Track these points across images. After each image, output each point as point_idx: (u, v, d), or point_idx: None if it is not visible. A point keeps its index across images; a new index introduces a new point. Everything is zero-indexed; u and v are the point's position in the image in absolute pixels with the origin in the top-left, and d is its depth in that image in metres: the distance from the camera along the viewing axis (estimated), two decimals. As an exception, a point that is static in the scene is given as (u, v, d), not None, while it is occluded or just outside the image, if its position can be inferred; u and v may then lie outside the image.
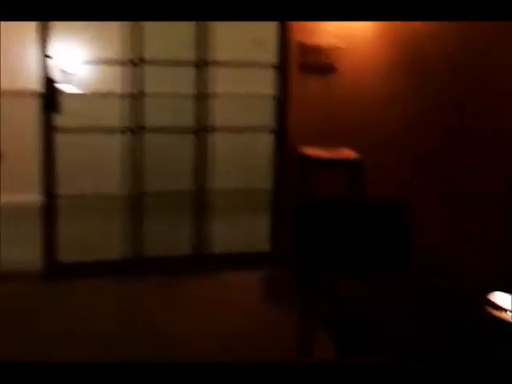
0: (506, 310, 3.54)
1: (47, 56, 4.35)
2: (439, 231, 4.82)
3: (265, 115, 4.84)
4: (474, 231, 4.84)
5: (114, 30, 4.71)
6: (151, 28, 4.56)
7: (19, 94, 5.22)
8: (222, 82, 4.74)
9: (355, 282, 4.20)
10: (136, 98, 4.60)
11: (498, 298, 3.60)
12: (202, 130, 4.74)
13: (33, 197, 4.60)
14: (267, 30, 4.77)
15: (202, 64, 4.67)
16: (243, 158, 4.87)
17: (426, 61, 4.87)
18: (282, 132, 4.80)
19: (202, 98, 4.70)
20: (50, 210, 4.45)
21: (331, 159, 4.62)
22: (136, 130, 4.62)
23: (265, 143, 4.86)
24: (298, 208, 4.52)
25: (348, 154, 4.67)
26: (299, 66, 4.73)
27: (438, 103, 4.92)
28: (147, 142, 4.65)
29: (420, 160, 4.92)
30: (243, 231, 4.84)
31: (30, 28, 4.45)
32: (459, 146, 4.94)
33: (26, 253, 4.46)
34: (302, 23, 4.62)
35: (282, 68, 4.75)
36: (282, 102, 4.78)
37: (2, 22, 5.42)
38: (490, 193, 4.84)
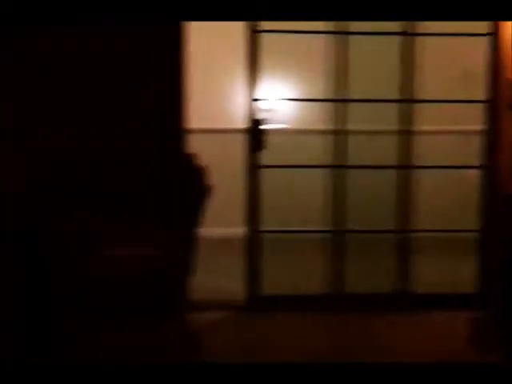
0: None
1: (255, 98, 4.48)
2: None
3: (472, 152, 4.66)
4: None
5: (317, 68, 4.81)
6: (354, 65, 4.58)
7: (227, 132, 5.48)
8: (427, 118, 4.63)
9: None
10: (339, 134, 4.63)
11: None
12: (405, 168, 4.65)
13: (237, 230, 4.75)
14: (476, 65, 4.64)
15: (406, 101, 4.60)
16: (448, 196, 4.73)
17: None
18: (491, 170, 4.60)
19: (406, 135, 4.62)
20: (253, 244, 4.55)
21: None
22: (339, 166, 4.63)
23: (472, 181, 4.68)
24: (499, 249, 4.32)
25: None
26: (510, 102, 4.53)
27: None
28: (350, 179, 4.64)
29: None
30: (447, 271, 4.69)
31: (238, 69, 4.64)
32: None
33: (229, 284, 4.62)
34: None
35: (493, 104, 4.57)
36: (492, 139, 4.58)
37: (212, 64, 5.75)
38: None
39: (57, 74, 4.02)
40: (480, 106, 4.60)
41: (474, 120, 4.64)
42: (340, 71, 4.58)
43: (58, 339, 3.46)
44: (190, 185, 4.05)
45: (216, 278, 4.65)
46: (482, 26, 4.47)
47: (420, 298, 4.61)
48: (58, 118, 4.06)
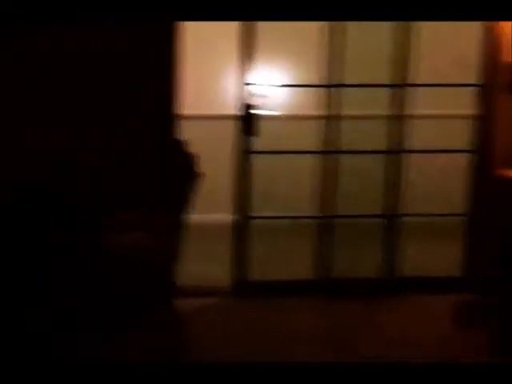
0: None
1: (247, 83, 4.49)
2: None
3: (463, 137, 4.66)
4: None
5: (311, 53, 4.81)
6: (349, 51, 4.58)
7: (219, 118, 5.48)
8: (419, 103, 4.63)
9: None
10: (330, 120, 4.64)
11: None
12: (396, 153, 4.66)
13: (224, 216, 4.78)
14: (469, 48, 4.62)
15: (399, 85, 4.60)
16: (438, 181, 4.73)
17: None
18: (483, 154, 4.59)
19: (397, 119, 4.63)
20: (243, 230, 4.59)
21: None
22: (329, 152, 4.65)
23: (462, 165, 4.68)
24: (492, 234, 4.35)
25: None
26: (506, 86, 4.51)
27: None
28: (342, 165, 4.66)
29: None
30: (434, 255, 4.71)
31: (232, 55, 4.65)
32: None
33: (215, 270, 4.65)
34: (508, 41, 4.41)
35: (486, 88, 4.55)
36: (484, 123, 4.58)
37: (204, 49, 5.74)
38: None
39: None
40: (474, 90, 4.60)
41: (467, 104, 4.64)
42: (335, 57, 4.58)
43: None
44: (178, 171, 4.09)
45: (204, 264, 4.68)
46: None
47: (407, 281, 4.64)
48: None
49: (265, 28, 4.43)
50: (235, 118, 4.54)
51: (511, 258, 4.35)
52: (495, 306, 4.22)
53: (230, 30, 4.59)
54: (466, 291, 4.47)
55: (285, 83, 5.48)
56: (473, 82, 4.60)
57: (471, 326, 4.11)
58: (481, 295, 4.36)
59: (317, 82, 4.74)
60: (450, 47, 4.99)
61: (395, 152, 4.65)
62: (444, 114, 4.99)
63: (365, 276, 4.68)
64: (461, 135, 4.67)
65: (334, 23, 4.51)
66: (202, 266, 4.61)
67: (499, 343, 3.84)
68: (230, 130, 4.64)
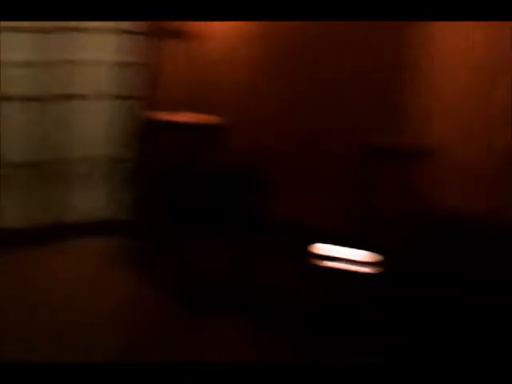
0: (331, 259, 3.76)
1: None
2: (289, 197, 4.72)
3: (113, 82, 4.74)
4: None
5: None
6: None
7: None
8: (72, 48, 4.62)
9: (204, 245, 4.30)
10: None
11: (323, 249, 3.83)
12: (50, 99, 4.61)
13: None
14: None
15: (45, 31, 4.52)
16: (92, 126, 4.77)
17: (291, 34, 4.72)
18: (136, 98, 4.75)
19: (47, 65, 4.56)
20: None
21: (188, 124, 4.60)
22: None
23: (116, 110, 4.78)
24: (150, 176, 4.56)
25: (206, 119, 4.65)
26: (153, 30, 4.67)
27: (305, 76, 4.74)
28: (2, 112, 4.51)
29: (282, 129, 4.82)
30: (92, 200, 4.77)
31: None
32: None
33: None
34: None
35: (134, 33, 4.68)
36: (135, 68, 4.72)
37: None
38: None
39: None
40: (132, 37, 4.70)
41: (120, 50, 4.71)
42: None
43: None
44: None
45: None
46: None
47: (68, 228, 4.66)
48: None
49: None
50: None
51: (170, 202, 4.58)
52: (151, 248, 4.43)
53: None
54: (127, 234, 4.60)
55: None
56: (130, 28, 4.68)
57: (127, 268, 4.20)
58: (140, 238, 4.53)
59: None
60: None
61: (51, 98, 4.60)
62: (95, 60, 4.95)
63: (26, 225, 4.57)
64: (120, 81, 4.75)
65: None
66: None
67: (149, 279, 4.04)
68: None
